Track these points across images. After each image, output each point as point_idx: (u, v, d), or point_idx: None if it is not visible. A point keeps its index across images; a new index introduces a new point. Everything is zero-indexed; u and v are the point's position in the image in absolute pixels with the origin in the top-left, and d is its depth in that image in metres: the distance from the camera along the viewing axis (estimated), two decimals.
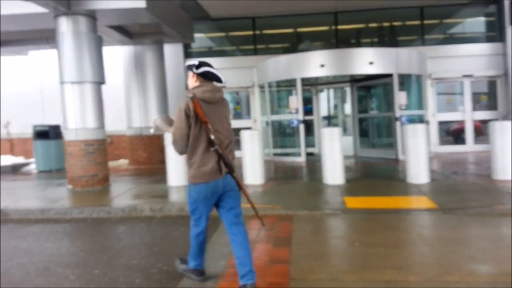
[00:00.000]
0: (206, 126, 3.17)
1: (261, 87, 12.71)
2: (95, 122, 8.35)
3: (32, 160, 12.04)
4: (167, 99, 12.43)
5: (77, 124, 8.15)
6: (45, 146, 11.51)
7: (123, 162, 12.93)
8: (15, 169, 11.74)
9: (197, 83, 3.31)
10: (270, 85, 12.18)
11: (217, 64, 13.36)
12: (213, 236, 4.85)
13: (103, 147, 8.44)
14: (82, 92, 8.20)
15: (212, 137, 3.17)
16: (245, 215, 3.66)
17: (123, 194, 7.46)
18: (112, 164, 12.93)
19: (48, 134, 11.56)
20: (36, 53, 13.26)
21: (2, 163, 11.97)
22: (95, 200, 7.04)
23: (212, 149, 3.19)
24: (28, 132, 12.11)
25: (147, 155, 11.80)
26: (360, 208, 5.85)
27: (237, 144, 7.05)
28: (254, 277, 3.25)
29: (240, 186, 3.34)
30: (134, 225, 5.74)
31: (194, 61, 3.31)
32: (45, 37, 11.14)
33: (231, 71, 13.56)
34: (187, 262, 3.66)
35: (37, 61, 13.85)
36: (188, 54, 13.91)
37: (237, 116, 14.35)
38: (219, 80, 3.31)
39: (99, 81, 8.50)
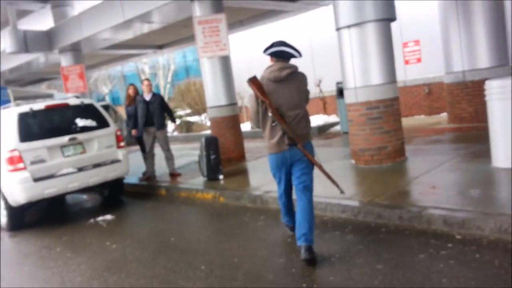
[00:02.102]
0: (267, 104, 3.51)
1: None
2: (382, 75, 6.08)
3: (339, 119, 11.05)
4: (508, 31, 8.46)
5: (357, 81, 6.14)
6: None
7: (443, 117, 10.03)
8: (322, 130, 11.06)
9: (272, 63, 3.64)
10: None
11: None
12: None
13: (393, 109, 6.11)
14: (362, 37, 6.05)
15: (270, 114, 3.52)
16: None
17: (414, 181, 5.01)
18: (428, 120, 10.31)
19: None
20: None
21: (314, 123, 11.55)
22: (370, 189, 4.96)
23: (273, 124, 3.56)
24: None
25: (473, 108, 8.48)
26: None
27: None
28: (309, 240, 3.50)
29: (307, 155, 3.55)
30: (405, 252, 3.34)
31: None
32: None
33: None
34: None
35: None
36: None
37: None
38: (292, 56, 3.59)
39: (387, 18, 6.09)
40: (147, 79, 8.09)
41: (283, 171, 3.70)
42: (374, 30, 6.03)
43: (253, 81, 3.54)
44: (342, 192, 3.72)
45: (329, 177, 3.63)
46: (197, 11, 8.45)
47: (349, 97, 6.28)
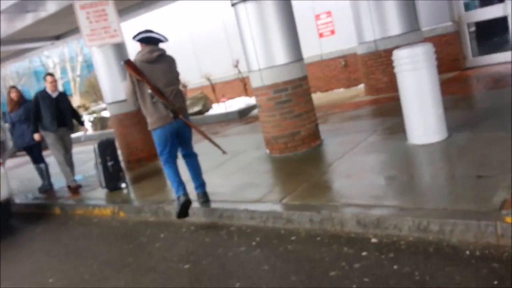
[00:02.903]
0: (144, 83, 3.87)
1: None
2: (287, 54, 5.47)
3: None
4: (415, 5, 8.23)
5: (260, 62, 5.50)
6: None
7: (361, 89, 9.79)
8: (243, 114, 10.43)
9: (141, 48, 4.03)
10: None
11: None
12: None
13: (302, 90, 5.56)
14: (260, 12, 5.39)
15: (149, 91, 3.88)
16: None
17: (328, 170, 4.52)
18: (346, 93, 10.04)
19: None
20: None
21: (236, 107, 10.87)
22: (283, 184, 4.40)
23: (153, 100, 3.89)
24: None
25: (388, 78, 8.23)
26: None
27: None
28: (204, 187, 4.37)
29: (189, 124, 4.12)
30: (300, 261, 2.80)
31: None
32: None
33: None
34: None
35: None
36: None
37: None
38: (159, 40, 4.03)
39: None
40: (50, 74, 6.76)
41: (169, 143, 4.04)
42: (272, 2, 5.39)
43: (127, 63, 3.88)
44: (224, 152, 4.36)
45: (211, 141, 4.21)
46: None
47: (255, 81, 5.65)
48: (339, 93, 10.47)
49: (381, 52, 8.24)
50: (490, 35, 9.72)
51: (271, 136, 5.65)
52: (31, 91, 28.52)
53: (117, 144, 7.74)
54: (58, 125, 6.35)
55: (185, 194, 4.08)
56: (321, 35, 11.22)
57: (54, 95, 6.44)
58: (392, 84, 8.16)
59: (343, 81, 11.01)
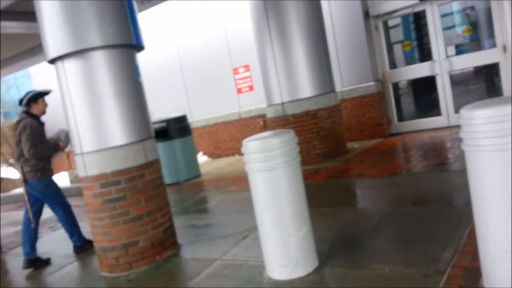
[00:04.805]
0: None
1: None
2: (123, 132, 3.92)
3: None
4: (330, 63, 7.16)
5: (83, 143, 3.95)
6: (168, 148, 8.25)
7: None
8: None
9: None
10: None
11: None
12: None
13: (144, 183, 3.99)
14: (85, 74, 3.87)
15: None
16: None
17: None
18: None
19: (168, 132, 8.19)
20: None
21: None
22: None
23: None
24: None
25: (302, 145, 6.90)
26: None
27: None
28: (25, 254, 4.57)
29: (24, 190, 4.52)
30: None
31: None
32: None
33: None
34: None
35: None
36: None
37: (471, 46, 8.12)
38: (27, 103, 4.58)
39: (120, 43, 3.99)
40: None
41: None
42: (104, 60, 3.92)
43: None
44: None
45: (30, 211, 4.60)
46: None
47: (80, 169, 4.07)
48: None
49: (289, 117, 6.96)
50: (419, 96, 8.75)
51: (99, 247, 4.02)
52: None
53: None
54: None
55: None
56: (239, 90, 9.95)
57: None
58: (307, 153, 6.90)
59: None
